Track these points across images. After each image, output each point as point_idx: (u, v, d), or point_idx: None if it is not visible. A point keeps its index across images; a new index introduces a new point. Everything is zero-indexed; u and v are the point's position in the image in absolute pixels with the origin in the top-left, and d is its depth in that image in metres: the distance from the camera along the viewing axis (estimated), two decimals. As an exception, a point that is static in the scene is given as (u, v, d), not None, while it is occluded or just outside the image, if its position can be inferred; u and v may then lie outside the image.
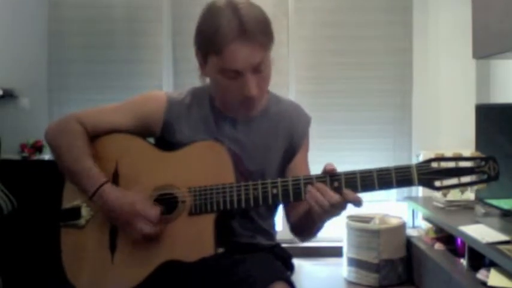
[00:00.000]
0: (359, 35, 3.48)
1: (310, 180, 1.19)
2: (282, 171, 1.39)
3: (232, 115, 1.36)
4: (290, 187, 1.20)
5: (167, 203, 1.27)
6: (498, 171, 1.14)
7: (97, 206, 1.29)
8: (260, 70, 1.23)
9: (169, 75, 3.52)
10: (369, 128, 3.49)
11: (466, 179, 1.15)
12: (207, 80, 1.36)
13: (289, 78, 3.49)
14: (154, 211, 1.23)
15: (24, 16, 3.52)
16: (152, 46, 3.54)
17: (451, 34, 3.40)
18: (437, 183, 1.15)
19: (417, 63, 3.48)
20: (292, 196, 1.20)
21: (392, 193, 3.46)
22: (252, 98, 1.23)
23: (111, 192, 1.26)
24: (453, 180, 1.15)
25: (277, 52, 3.42)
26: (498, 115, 2.55)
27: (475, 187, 1.16)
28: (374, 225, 3.02)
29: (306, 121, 1.43)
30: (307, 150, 1.44)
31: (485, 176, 1.15)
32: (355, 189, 1.17)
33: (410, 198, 3.33)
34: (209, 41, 1.21)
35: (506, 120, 2.48)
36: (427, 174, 1.15)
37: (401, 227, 3.06)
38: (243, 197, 1.22)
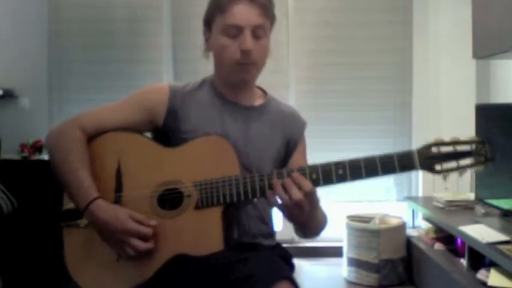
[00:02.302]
0: (359, 35, 3.48)
1: (316, 168, 1.21)
2: (280, 167, 1.40)
3: (231, 99, 1.40)
4: None
5: (172, 198, 1.27)
6: (494, 153, 1.18)
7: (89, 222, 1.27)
8: (259, 35, 1.32)
9: (169, 75, 3.51)
10: (369, 128, 3.49)
11: (464, 161, 1.19)
12: (210, 57, 1.42)
13: (289, 78, 3.49)
14: (146, 228, 1.22)
15: (24, 16, 3.52)
16: (152, 46, 3.55)
17: (451, 34, 3.40)
18: (437, 167, 1.19)
19: (417, 63, 3.48)
20: None
21: (393, 193, 3.46)
22: (248, 53, 1.30)
23: (101, 209, 1.24)
24: (452, 164, 1.19)
25: (277, 52, 3.42)
26: (498, 115, 2.55)
27: (474, 169, 1.20)
28: (374, 225, 3.02)
29: (302, 124, 1.50)
30: (305, 150, 1.49)
31: (482, 158, 1.18)
32: (360, 176, 1.20)
33: (410, 198, 3.33)
34: (218, 3, 1.32)
35: (506, 120, 2.48)
36: (428, 158, 1.19)
37: (401, 227, 3.06)
38: (249, 188, 1.22)
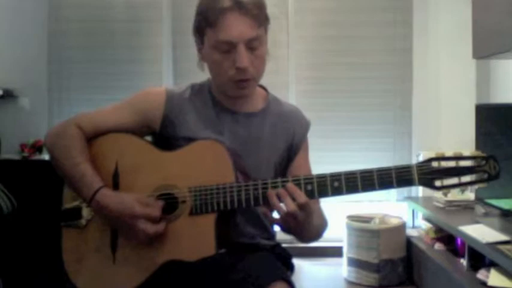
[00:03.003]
0: (359, 35, 3.48)
1: (311, 180, 1.19)
2: (281, 171, 1.40)
3: (230, 106, 1.38)
4: None
5: (167, 203, 1.27)
6: (499, 170, 1.14)
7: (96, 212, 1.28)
8: (254, 47, 1.26)
9: (169, 75, 3.52)
10: (369, 128, 3.49)
11: (466, 178, 1.14)
12: (205, 67, 1.38)
13: (289, 79, 3.49)
14: (154, 210, 1.22)
15: (24, 16, 3.52)
16: (152, 46, 3.55)
17: (451, 34, 3.40)
18: (437, 183, 1.15)
19: (417, 63, 3.48)
20: None
21: (393, 193, 3.46)
22: (244, 70, 1.25)
23: (107, 197, 1.24)
24: (453, 180, 1.15)
25: (277, 52, 3.42)
26: (498, 115, 2.55)
27: (476, 186, 1.16)
28: (374, 225, 3.02)
29: (306, 124, 1.46)
30: (307, 152, 1.46)
31: (485, 175, 1.14)
32: (356, 189, 1.17)
33: (410, 198, 3.33)
34: (206, 16, 1.26)
35: (506, 120, 2.48)
36: (428, 174, 1.15)
37: (401, 227, 3.06)
38: (243, 196, 1.22)
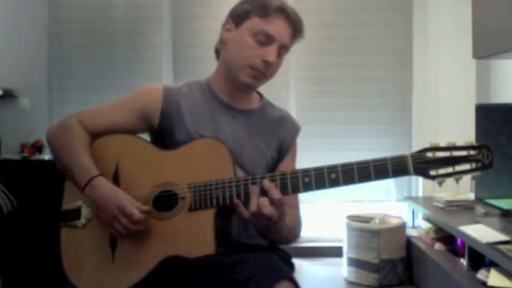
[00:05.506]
0: (359, 35, 3.48)
1: (308, 172, 1.20)
2: (271, 170, 1.43)
3: (229, 102, 1.41)
4: (288, 180, 1.22)
5: (167, 200, 1.28)
6: (492, 159, 1.16)
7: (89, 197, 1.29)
8: (281, 54, 1.37)
9: (169, 75, 3.51)
10: (369, 128, 3.49)
11: (460, 167, 1.17)
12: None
13: (289, 79, 3.49)
14: (137, 211, 1.23)
15: (24, 16, 3.52)
16: (152, 46, 3.55)
17: (451, 34, 3.40)
18: (432, 172, 1.17)
19: (417, 63, 3.48)
20: (290, 189, 1.22)
21: (393, 193, 3.46)
22: (268, 64, 1.33)
23: (101, 186, 1.27)
24: (448, 169, 1.17)
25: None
26: (498, 115, 2.55)
27: (470, 175, 1.17)
28: (374, 225, 3.02)
29: (296, 128, 1.51)
30: (295, 156, 1.50)
31: (479, 164, 1.16)
32: (353, 180, 1.19)
33: (410, 198, 3.33)
34: (261, 6, 1.34)
35: (506, 120, 2.48)
36: (422, 163, 1.17)
37: (401, 227, 3.06)
38: (242, 191, 1.23)
